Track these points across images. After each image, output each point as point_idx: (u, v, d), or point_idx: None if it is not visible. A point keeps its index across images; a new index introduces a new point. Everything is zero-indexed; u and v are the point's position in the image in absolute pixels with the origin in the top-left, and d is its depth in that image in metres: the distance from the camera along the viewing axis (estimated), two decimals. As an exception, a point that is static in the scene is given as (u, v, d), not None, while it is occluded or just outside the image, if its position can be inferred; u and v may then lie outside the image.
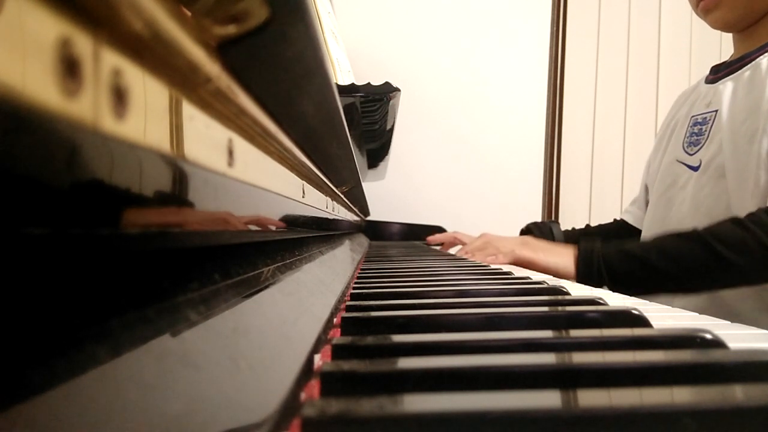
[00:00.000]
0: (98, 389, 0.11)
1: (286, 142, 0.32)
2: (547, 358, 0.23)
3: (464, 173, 1.88)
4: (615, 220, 1.20)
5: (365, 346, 0.25)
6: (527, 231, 1.15)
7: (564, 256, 0.85)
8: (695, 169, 0.92)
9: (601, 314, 0.33)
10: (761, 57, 0.86)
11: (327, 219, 0.61)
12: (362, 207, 1.30)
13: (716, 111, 0.90)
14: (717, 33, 1.04)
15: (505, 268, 0.77)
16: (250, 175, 0.24)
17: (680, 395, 0.19)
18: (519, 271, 0.71)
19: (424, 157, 1.86)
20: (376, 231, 1.64)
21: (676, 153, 0.98)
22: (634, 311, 0.33)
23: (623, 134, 1.95)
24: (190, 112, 0.16)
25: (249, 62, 0.23)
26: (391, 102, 0.99)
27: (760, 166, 0.80)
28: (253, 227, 0.27)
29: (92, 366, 0.11)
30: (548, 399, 0.18)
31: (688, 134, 0.96)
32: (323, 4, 1.10)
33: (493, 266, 0.75)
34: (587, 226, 1.24)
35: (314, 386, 0.20)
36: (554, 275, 0.85)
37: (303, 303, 0.30)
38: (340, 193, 0.77)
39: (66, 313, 0.12)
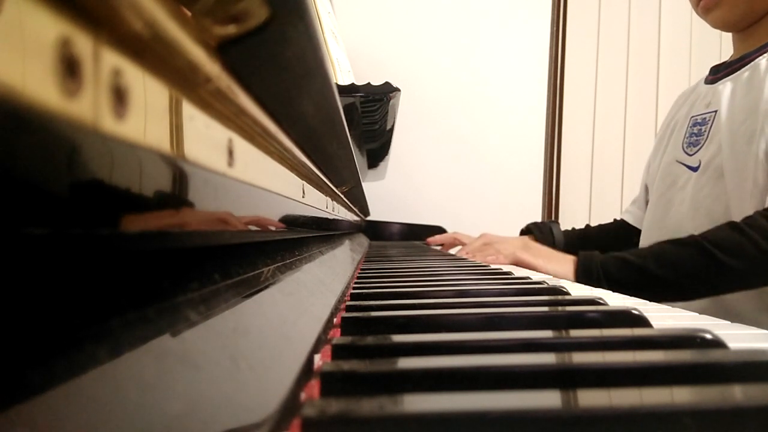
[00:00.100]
0: (98, 389, 0.11)
1: (286, 142, 0.32)
2: (547, 358, 0.23)
3: (464, 173, 1.88)
4: (615, 220, 1.20)
5: (365, 346, 0.25)
6: (527, 231, 1.15)
7: (564, 264, 0.85)
8: (695, 169, 0.92)
9: (601, 314, 0.33)
10: (760, 57, 0.86)
11: (327, 219, 0.61)
12: (362, 207, 1.30)
13: (715, 111, 0.90)
14: (717, 33, 1.04)
15: (505, 268, 0.77)
16: (250, 175, 0.24)
17: (680, 395, 0.19)
18: (519, 271, 0.71)
19: (424, 157, 1.86)
20: (376, 231, 1.64)
21: (676, 153, 0.98)
22: (634, 311, 0.33)
23: (623, 134, 1.95)
24: (190, 112, 0.16)
25: (249, 62, 0.23)
26: (391, 102, 0.99)
27: (759, 166, 0.80)
28: (253, 227, 0.27)
29: (92, 366, 0.11)
30: (548, 399, 0.18)
31: (687, 135, 0.96)
32: (323, 4, 1.10)
33: (493, 266, 0.75)
34: (587, 226, 1.24)
35: (314, 386, 0.20)
36: None
37: (303, 303, 0.30)
38: (340, 193, 0.77)
39: (66, 313, 0.12)
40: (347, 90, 0.90)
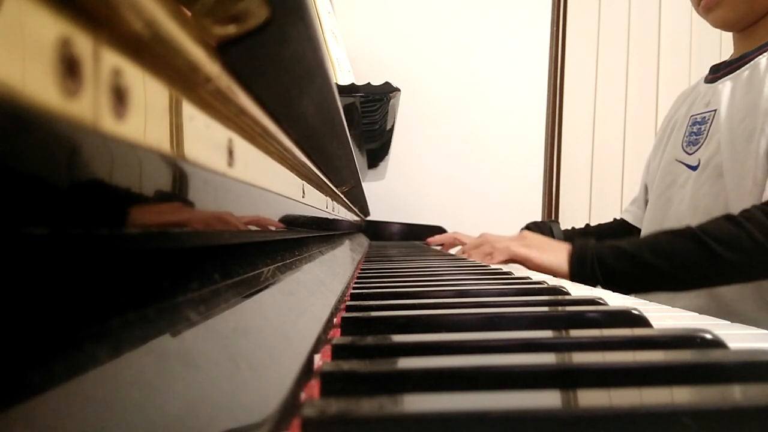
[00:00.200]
0: (98, 389, 0.11)
1: (286, 142, 0.32)
2: (547, 358, 0.23)
3: (464, 173, 1.88)
4: (615, 219, 1.20)
5: (365, 346, 0.25)
6: (527, 231, 1.15)
7: (558, 254, 0.85)
8: (694, 168, 0.92)
9: (601, 314, 0.33)
10: (760, 57, 0.86)
11: (327, 219, 0.61)
12: (362, 207, 1.30)
13: (715, 110, 0.90)
14: (717, 33, 1.04)
15: (505, 268, 0.77)
16: (250, 175, 0.24)
17: (680, 395, 0.19)
18: (519, 271, 0.71)
19: (424, 157, 1.86)
20: (376, 231, 1.64)
21: (676, 152, 0.98)
22: (634, 311, 0.33)
23: (623, 134, 1.95)
24: (190, 112, 0.16)
25: (249, 62, 0.23)
26: (391, 102, 0.99)
27: (759, 165, 0.80)
28: (253, 227, 0.27)
29: (92, 366, 0.11)
30: (548, 399, 0.18)
31: (687, 134, 0.96)
32: (323, 4, 1.10)
33: (493, 266, 0.75)
34: (587, 225, 1.24)
35: (314, 386, 0.20)
36: (548, 273, 0.85)
37: (303, 303, 0.30)
38: (340, 193, 0.77)
39: (66, 313, 0.12)
40: (347, 90, 0.90)
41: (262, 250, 0.33)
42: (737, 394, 0.18)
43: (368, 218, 1.59)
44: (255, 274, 0.27)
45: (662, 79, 1.94)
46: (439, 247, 1.35)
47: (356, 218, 1.18)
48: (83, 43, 0.10)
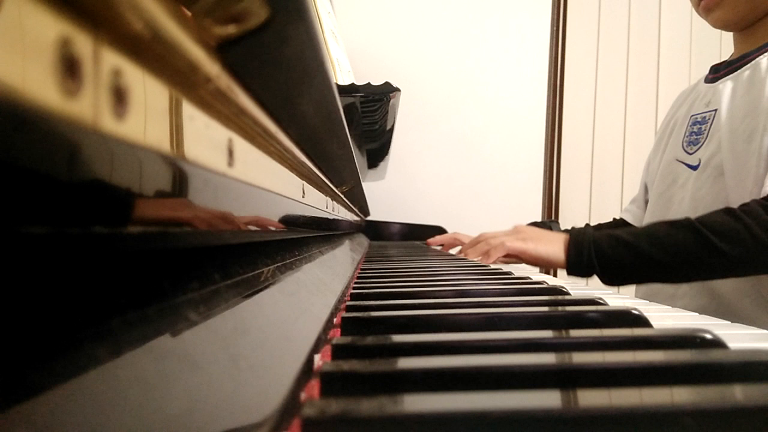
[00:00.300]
0: (98, 389, 0.11)
1: (286, 142, 0.32)
2: (547, 358, 0.23)
3: (464, 173, 1.88)
4: (614, 219, 1.20)
5: (365, 346, 0.25)
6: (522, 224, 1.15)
7: (555, 244, 0.84)
8: (694, 168, 0.92)
9: (601, 314, 0.33)
10: (761, 57, 0.86)
11: (327, 219, 0.61)
12: (362, 207, 1.30)
13: (715, 110, 0.90)
14: (717, 33, 1.04)
15: (505, 267, 0.77)
16: (250, 175, 0.24)
17: (680, 395, 0.19)
18: (519, 271, 0.71)
19: (424, 157, 1.86)
20: (376, 231, 1.64)
21: (676, 152, 0.98)
22: (634, 311, 0.33)
23: (623, 134, 1.95)
24: (190, 112, 0.16)
25: (249, 62, 0.23)
26: (391, 102, 0.99)
27: (759, 164, 0.80)
28: (253, 227, 0.27)
29: (92, 366, 0.11)
30: (548, 399, 0.18)
31: (687, 133, 0.96)
32: (323, 4, 1.10)
33: (492, 266, 0.75)
34: (587, 225, 1.24)
35: (314, 386, 0.20)
36: (545, 264, 0.85)
37: (303, 303, 0.30)
38: (340, 193, 0.77)
39: (66, 313, 0.12)
40: (347, 90, 0.90)
41: (262, 250, 0.33)
42: (737, 394, 0.18)
43: (368, 218, 1.59)
44: (255, 274, 0.27)
45: (662, 79, 1.94)
46: (439, 248, 1.35)
47: (356, 218, 1.18)
48: (83, 43, 0.10)
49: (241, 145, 0.22)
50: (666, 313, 0.39)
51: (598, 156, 1.95)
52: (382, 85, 0.94)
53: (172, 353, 0.14)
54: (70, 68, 0.10)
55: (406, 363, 0.22)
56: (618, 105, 1.95)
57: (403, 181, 1.82)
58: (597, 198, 1.95)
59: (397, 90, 0.97)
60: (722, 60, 0.97)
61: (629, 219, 1.14)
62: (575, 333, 0.28)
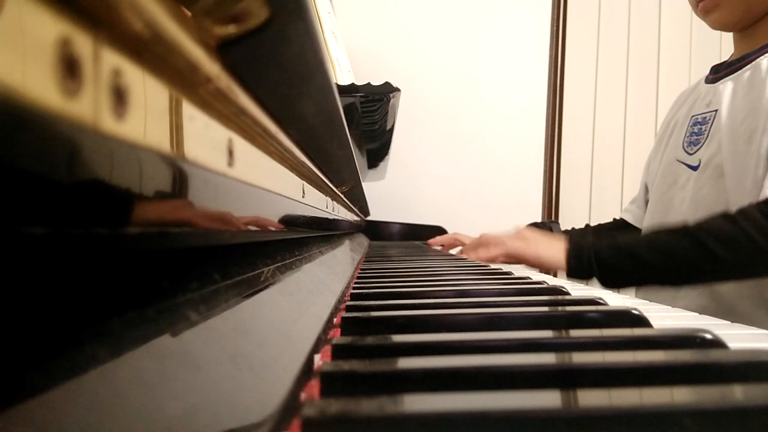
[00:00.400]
0: (98, 389, 0.11)
1: (286, 142, 0.32)
2: (547, 358, 0.23)
3: (464, 173, 1.88)
4: (615, 219, 1.20)
5: (365, 346, 0.25)
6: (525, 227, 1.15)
7: (555, 249, 0.85)
8: (695, 168, 0.93)
9: (601, 314, 0.33)
10: (761, 57, 0.86)
11: (327, 219, 0.61)
12: (362, 207, 1.30)
13: (716, 111, 0.91)
14: (717, 33, 1.04)
15: (505, 267, 0.77)
16: (250, 175, 0.24)
17: (680, 395, 0.19)
18: (519, 271, 0.71)
19: (424, 157, 1.86)
20: (376, 231, 1.64)
21: (676, 152, 0.98)
22: (634, 311, 0.33)
23: (623, 134, 1.95)
24: (190, 112, 0.16)
25: (249, 62, 0.23)
26: (391, 102, 0.99)
27: (759, 165, 0.80)
28: (253, 227, 0.27)
29: (92, 366, 0.11)
30: (548, 399, 0.18)
31: (687, 134, 0.96)
32: (323, 4, 1.10)
33: (492, 266, 0.75)
34: (587, 226, 1.24)
35: (314, 386, 0.20)
36: (545, 268, 0.85)
37: (303, 303, 0.30)
38: (340, 193, 0.77)
39: (66, 313, 0.12)
40: (347, 90, 0.90)
41: (262, 250, 0.33)
42: (737, 394, 0.18)
43: (368, 218, 1.59)
44: (255, 274, 0.27)
45: (662, 79, 1.94)
46: (439, 248, 1.35)
47: (356, 218, 1.18)
48: (83, 43, 0.10)
49: (241, 145, 0.22)
50: (666, 313, 0.39)
51: (598, 156, 1.95)
52: (382, 85, 0.94)
53: (172, 353, 0.14)
54: (70, 68, 0.10)
55: (406, 363, 0.22)
56: (618, 105, 1.95)
57: (403, 181, 1.82)
58: (597, 198, 1.95)
59: (397, 90, 0.97)
60: (722, 60, 0.97)
61: (629, 219, 1.14)
62: (575, 333, 0.28)
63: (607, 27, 1.94)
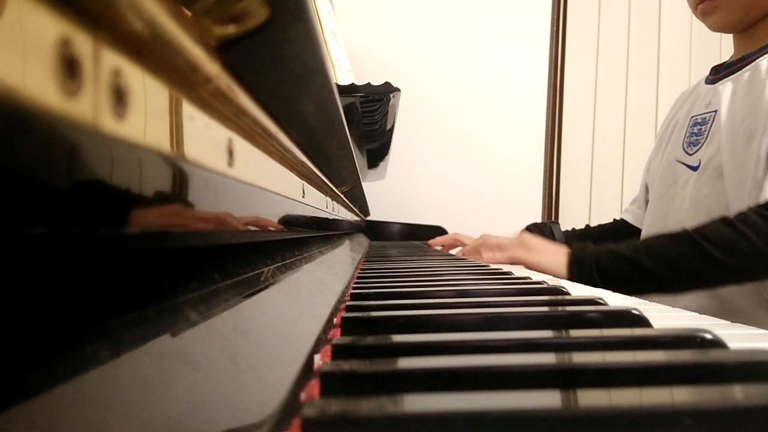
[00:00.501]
0: (98, 389, 0.11)
1: (286, 142, 0.32)
2: (547, 358, 0.23)
3: (464, 173, 1.88)
4: (615, 219, 1.20)
5: (365, 346, 0.25)
6: (528, 232, 1.15)
7: (556, 257, 0.86)
8: (695, 169, 0.93)
9: (601, 314, 0.33)
10: (761, 58, 0.86)
11: (327, 219, 0.61)
12: (362, 207, 1.30)
13: (716, 111, 0.91)
14: (717, 34, 1.04)
15: (505, 267, 0.77)
16: (250, 175, 0.24)
17: (680, 395, 0.19)
18: (519, 271, 0.71)
19: (424, 157, 1.86)
20: (376, 231, 1.64)
21: (676, 153, 0.98)
22: (634, 311, 0.33)
23: (623, 134, 1.95)
24: (190, 112, 0.16)
25: (249, 62, 0.23)
26: (391, 102, 0.99)
27: (758, 166, 0.80)
28: (253, 227, 0.27)
29: (92, 366, 0.11)
30: (548, 399, 0.18)
31: (687, 134, 0.96)
32: (323, 4, 1.10)
33: (492, 266, 0.75)
34: (587, 226, 1.24)
35: (314, 386, 0.20)
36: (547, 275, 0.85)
37: (303, 303, 0.30)
38: (340, 193, 0.77)
39: (66, 313, 0.12)
40: (347, 90, 0.90)
41: (262, 250, 0.33)
42: (737, 394, 0.18)
43: (368, 218, 1.59)
44: (255, 274, 0.27)
45: (662, 80, 1.94)
46: (440, 248, 1.35)
47: (356, 218, 1.18)
48: (83, 43, 0.10)
49: (241, 145, 0.22)
50: (666, 313, 0.39)
51: (598, 156, 1.95)
52: (382, 85, 0.94)
53: (172, 353, 0.14)
54: (70, 68, 0.10)
55: (406, 363, 0.22)
56: (618, 105, 1.95)
57: (403, 181, 1.82)
58: (597, 198, 1.95)
59: (397, 90, 0.97)
60: (722, 61, 0.97)
61: (630, 219, 1.14)
62: (575, 333, 0.28)
63: (607, 27, 1.94)
